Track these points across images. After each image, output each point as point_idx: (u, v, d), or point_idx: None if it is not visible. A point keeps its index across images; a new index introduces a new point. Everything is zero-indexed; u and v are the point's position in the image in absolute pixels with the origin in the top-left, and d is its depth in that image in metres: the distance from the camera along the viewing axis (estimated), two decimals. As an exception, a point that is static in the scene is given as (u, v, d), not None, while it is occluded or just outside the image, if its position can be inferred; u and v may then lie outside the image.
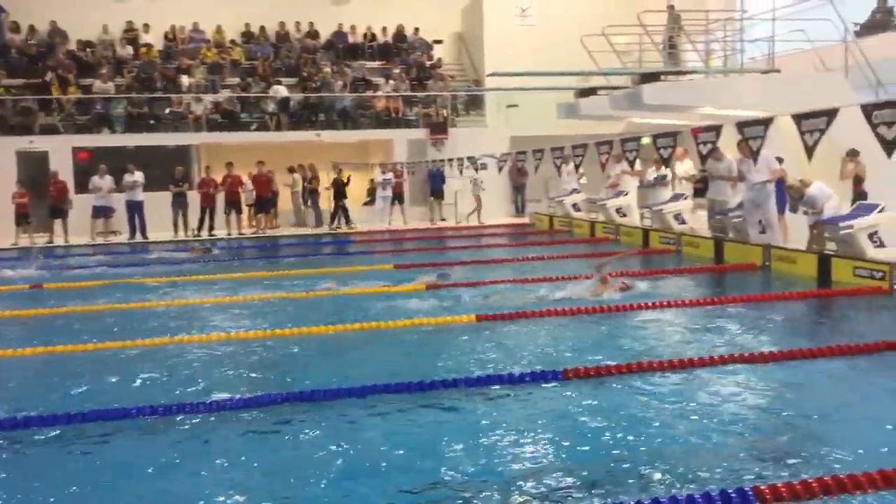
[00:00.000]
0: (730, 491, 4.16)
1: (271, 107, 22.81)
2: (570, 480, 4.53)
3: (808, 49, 14.52)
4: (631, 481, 4.51)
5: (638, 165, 16.13)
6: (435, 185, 22.04)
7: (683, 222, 15.28)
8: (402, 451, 5.07)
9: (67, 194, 19.65)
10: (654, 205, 16.09)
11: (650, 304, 9.37)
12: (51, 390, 6.59)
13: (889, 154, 6.60)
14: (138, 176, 19.36)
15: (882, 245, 10.75)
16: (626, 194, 17.81)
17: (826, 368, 6.73)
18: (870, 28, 16.42)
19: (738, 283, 11.15)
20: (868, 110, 6.78)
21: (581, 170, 17.95)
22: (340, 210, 21.32)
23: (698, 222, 15.38)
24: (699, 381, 6.40)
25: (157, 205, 19.65)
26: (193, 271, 13.65)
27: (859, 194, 12.09)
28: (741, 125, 8.55)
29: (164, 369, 7.19)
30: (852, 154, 12.14)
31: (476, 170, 17.62)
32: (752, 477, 4.49)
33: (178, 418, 5.73)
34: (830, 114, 7.28)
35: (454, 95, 24.74)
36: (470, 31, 26.72)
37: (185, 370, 7.15)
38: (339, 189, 21.13)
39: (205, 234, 19.87)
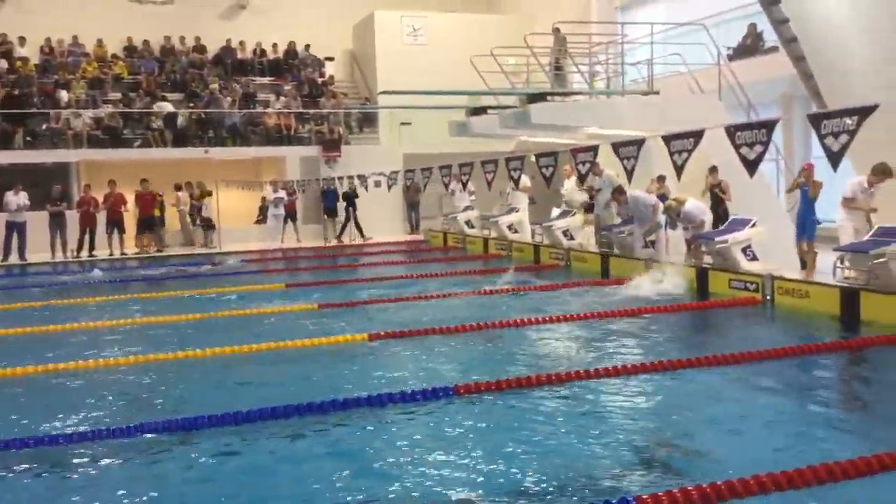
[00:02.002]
0: (613, 501, 4.27)
1: (157, 123, 22.10)
2: (461, 496, 4.55)
3: (685, 72, 15.20)
4: (516, 495, 4.56)
5: (526, 182, 16.47)
6: (328, 204, 21.83)
7: (572, 238, 15.70)
8: (290, 478, 4.97)
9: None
10: (544, 221, 16.48)
11: (538, 318, 9.55)
12: None
13: (751, 173, 7.00)
14: (23, 196, 18.43)
15: (755, 258, 11.32)
16: (518, 211, 18.16)
17: (705, 378, 7.03)
18: (741, 52, 17.38)
19: (623, 296, 11.49)
20: (731, 132, 7.17)
21: (471, 186, 18.20)
22: (353, 223, 21.54)
23: (586, 238, 15.83)
24: (584, 394, 6.57)
25: (34, 225, 18.66)
26: (72, 294, 13.03)
27: (724, 211, 12.72)
28: (616, 145, 8.88)
29: (35, 398, 6.83)
30: (713, 171, 12.80)
31: (367, 188, 17.56)
32: (636, 487, 4.62)
33: (35, 451, 5.45)
34: (697, 135, 7.68)
35: (347, 113, 24.64)
36: (362, 49, 26.70)
37: (58, 399, 6.80)
38: (352, 200, 21.21)
39: (84, 254, 19.00)
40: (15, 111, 21.19)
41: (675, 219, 12.56)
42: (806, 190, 10.73)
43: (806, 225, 10.79)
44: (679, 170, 8.07)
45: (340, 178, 18.57)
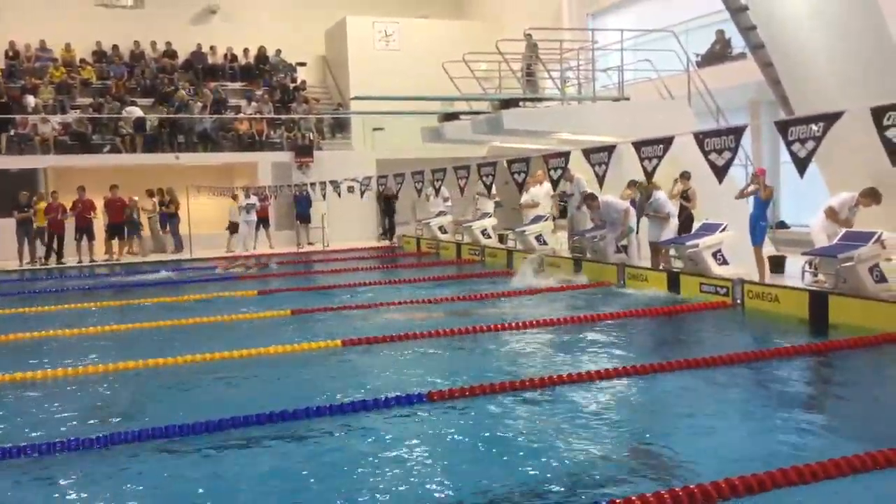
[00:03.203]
0: (587, 507, 4.28)
1: (126, 128, 21.85)
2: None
3: (655, 78, 15.35)
4: (491, 502, 4.56)
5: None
6: (301, 209, 21.73)
7: (545, 243, 15.75)
8: (265, 486, 4.93)
9: None
10: (516, 227, 16.52)
11: (512, 324, 9.57)
12: None
13: (720, 179, 7.08)
14: None
15: (725, 262, 11.45)
16: (491, 216, 18.20)
17: (678, 381, 7.08)
18: (710, 59, 17.58)
19: (596, 300, 11.56)
20: (700, 138, 7.24)
21: (446, 192, 18.19)
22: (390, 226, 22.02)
23: (559, 243, 15.90)
24: (558, 399, 6.58)
25: (0, 232, 18.37)
26: (38, 302, 12.83)
27: (687, 216, 12.86)
28: (587, 151, 8.96)
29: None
30: (684, 176, 12.93)
31: (339, 195, 17.48)
32: (609, 491, 4.64)
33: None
34: (666, 141, 7.76)
35: (320, 118, 24.56)
36: (334, 54, 26.65)
37: (23, 410, 6.69)
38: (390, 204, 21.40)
39: (52, 262, 18.74)
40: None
41: (645, 201, 12.73)
42: (758, 194, 11.01)
43: (755, 229, 10.98)
44: (649, 175, 8.14)
45: (318, 183, 18.39)
